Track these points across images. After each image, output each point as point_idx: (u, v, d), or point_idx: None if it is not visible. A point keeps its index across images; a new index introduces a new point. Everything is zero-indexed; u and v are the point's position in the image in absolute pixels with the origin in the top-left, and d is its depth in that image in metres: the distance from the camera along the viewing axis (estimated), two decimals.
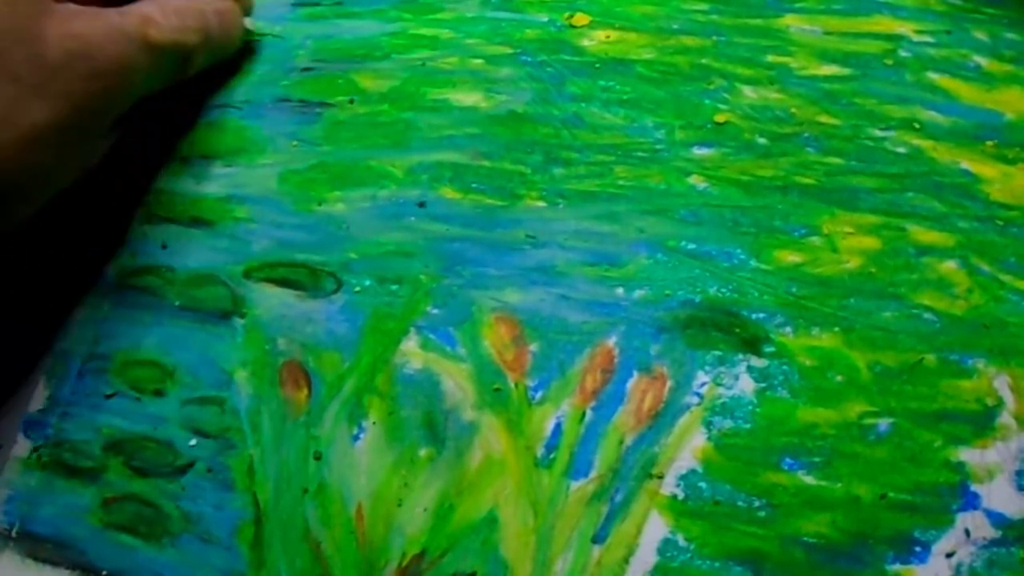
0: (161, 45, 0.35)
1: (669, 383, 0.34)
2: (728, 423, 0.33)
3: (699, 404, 0.34)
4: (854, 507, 0.31)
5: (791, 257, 0.36)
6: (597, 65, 0.43)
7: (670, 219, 0.38)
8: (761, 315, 0.35)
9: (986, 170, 0.38)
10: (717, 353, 0.34)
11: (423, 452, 0.34)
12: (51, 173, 0.33)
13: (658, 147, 0.40)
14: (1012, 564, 0.30)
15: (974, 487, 0.31)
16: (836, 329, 0.34)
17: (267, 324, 0.38)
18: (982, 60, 0.40)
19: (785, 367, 0.34)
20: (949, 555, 0.30)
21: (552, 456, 0.33)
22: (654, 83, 0.42)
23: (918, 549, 0.30)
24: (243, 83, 0.45)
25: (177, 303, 0.39)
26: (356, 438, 0.35)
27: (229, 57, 0.44)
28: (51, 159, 0.32)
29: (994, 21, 0.42)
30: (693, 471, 0.32)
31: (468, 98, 0.43)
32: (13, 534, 0.35)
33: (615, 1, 0.45)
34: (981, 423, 0.32)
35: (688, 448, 0.33)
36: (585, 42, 0.44)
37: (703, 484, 0.32)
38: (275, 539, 0.33)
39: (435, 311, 0.37)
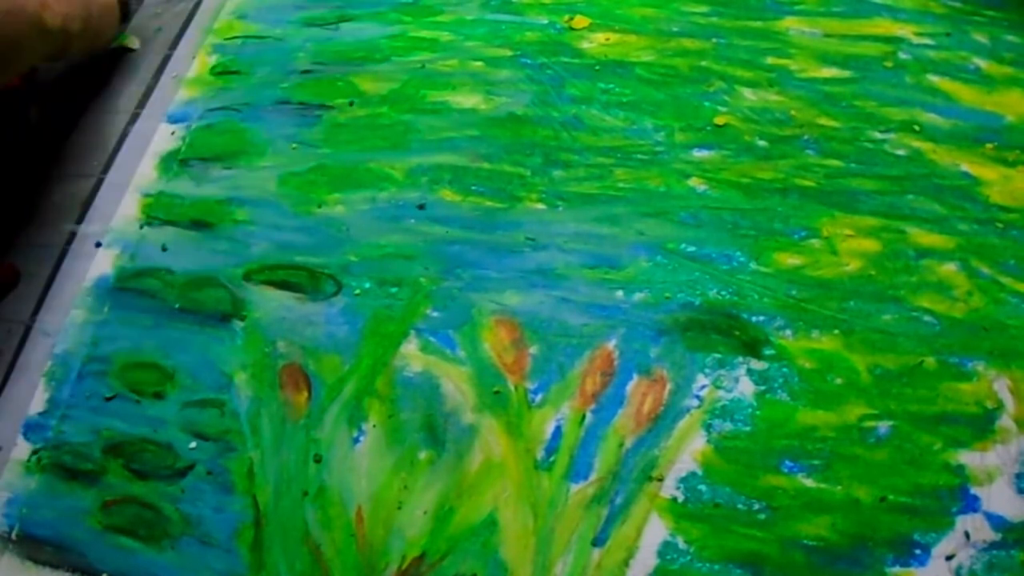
0: (51, 29, 0.38)
1: (669, 386, 0.34)
2: (728, 426, 0.33)
3: (699, 407, 0.34)
4: (854, 510, 0.31)
5: (791, 260, 0.36)
6: (597, 67, 0.43)
7: (670, 221, 0.38)
8: (761, 318, 0.35)
9: (986, 172, 0.37)
10: (717, 356, 0.34)
11: (423, 455, 0.34)
12: None
13: (658, 149, 0.40)
14: (1012, 567, 0.30)
15: (974, 490, 0.31)
16: (836, 332, 0.34)
17: (267, 327, 0.38)
18: (982, 62, 0.40)
19: (785, 370, 0.34)
20: (949, 558, 0.30)
21: (552, 459, 0.33)
22: (654, 85, 0.42)
23: (918, 552, 0.30)
24: (243, 85, 0.46)
25: (177, 305, 0.39)
26: (356, 441, 0.35)
27: (100, 52, 0.47)
28: None
29: (994, 23, 0.42)
30: (693, 474, 0.32)
31: (468, 100, 0.43)
32: (13, 536, 0.35)
33: (615, 3, 0.45)
34: (981, 426, 0.32)
35: (688, 451, 0.33)
36: (585, 44, 0.44)
37: (703, 487, 0.32)
38: (275, 542, 0.33)
39: (435, 314, 0.37)
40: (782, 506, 0.31)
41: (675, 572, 0.31)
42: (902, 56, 0.41)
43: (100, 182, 0.46)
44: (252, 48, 0.47)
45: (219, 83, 0.46)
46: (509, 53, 0.44)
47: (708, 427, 0.33)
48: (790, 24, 0.43)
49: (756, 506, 0.32)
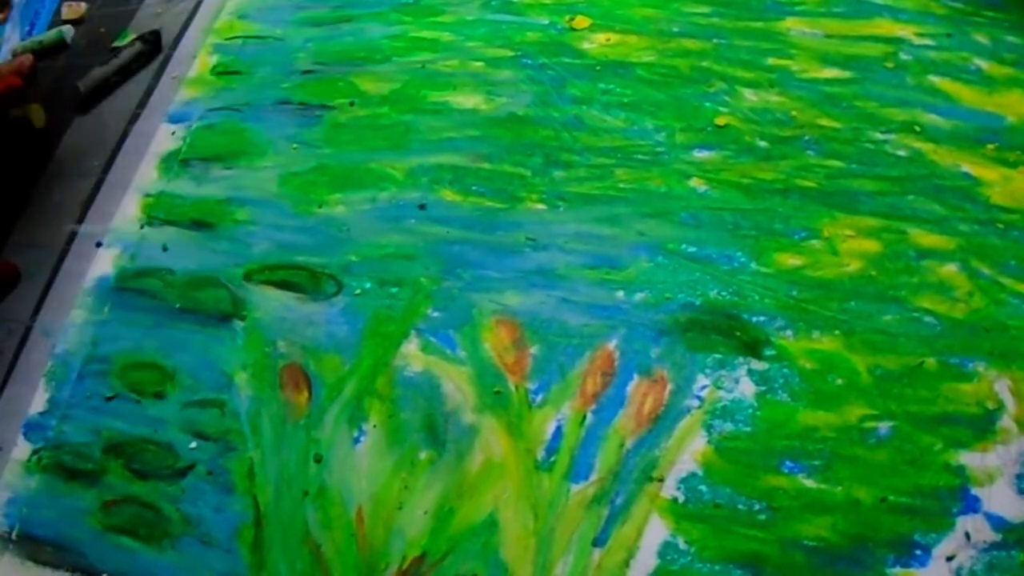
0: None
1: (669, 386, 0.34)
2: (728, 426, 0.33)
3: (699, 407, 0.34)
4: (854, 510, 0.31)
5: (791, 260, 0.36)
6: (598, 68, 0.43)
7: (670, 222, 0.38)
8: (761, 318, 0.35)
9: (987, 173, 0.37)
10: (717, 356, 0.34)
11: (423, 455, 0.34)
12: None
13: (659, 150, 0.40)
14: (1012, 567, 0.30)
15: (974, 490, 0.31)
16: (836, 332, 0.34)
17: (267, 326, 0.38)
18: (983, 63, 0.40)
19: (785, 370, 0.34)
20: (949, 558, 0.30)
21: (552, 459, 0.33)
22: (655, 86, 0.42)
23: (918, 552, 0.30)
24: (244, 85, 0.46)
25: (177, 305, 0.39)
26: (356, 441, 0.35)
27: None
28: None
29: (995, 24, 0.42)
30: (693, 474, 0.32)
31: (468, 101, 0.43)
32: (13, 536, 0.35)
33: (616, 4, 0.45)
34: (981, 426, 0.32)
35: (688, 451, 0.33)
36: (586, 45, 0.44)
37: (703, 487, 0.32)
38: (275, 542, 0.33)
39: (435, 314, 0.37)
40: (782, 506, 0.31)
41: (675, 572, 0.31)
42: (903, 57, 0.41)
43: (100, 182, 0.46)
44: (253, 48, 0.47)
45: (220, 83, 0.46)
46: (510, 53, 0.44)
47: (709, 427, 0.33)
48: (791, 25, 0.43)
49: (756, 506, 0.32)
